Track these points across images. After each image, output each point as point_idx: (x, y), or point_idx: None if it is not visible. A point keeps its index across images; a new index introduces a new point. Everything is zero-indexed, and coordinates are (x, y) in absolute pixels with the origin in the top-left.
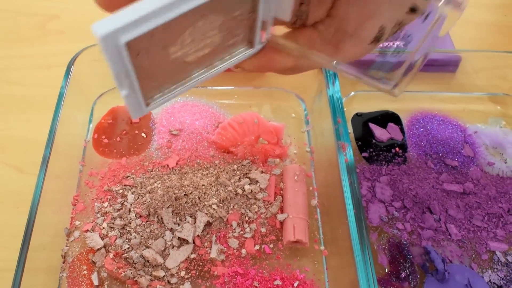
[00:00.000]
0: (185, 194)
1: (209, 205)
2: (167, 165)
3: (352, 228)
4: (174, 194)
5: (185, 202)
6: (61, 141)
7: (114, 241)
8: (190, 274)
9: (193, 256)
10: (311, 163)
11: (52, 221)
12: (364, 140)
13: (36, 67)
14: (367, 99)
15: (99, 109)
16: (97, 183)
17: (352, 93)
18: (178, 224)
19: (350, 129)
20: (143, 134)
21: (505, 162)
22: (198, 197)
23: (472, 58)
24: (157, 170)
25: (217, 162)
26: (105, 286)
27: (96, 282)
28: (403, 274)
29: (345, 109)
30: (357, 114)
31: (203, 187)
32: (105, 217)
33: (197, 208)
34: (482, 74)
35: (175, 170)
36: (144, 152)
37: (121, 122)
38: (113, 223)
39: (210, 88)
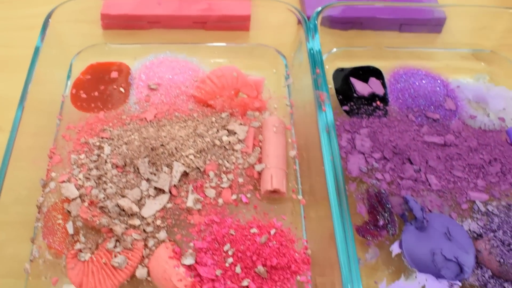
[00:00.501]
0: (161, 145)
1: (186, 156)
2: (145, 118)
3: (328, 178)
4: (150, 144)
5: (162, 153)
6: (38, 97)
7: (90, 191)
8: (166, 223)
9: (169, 205)
10: (291, 116)
11: (28, 175)
12: (345, 94)
13: (17, 28)
14: (349, 56)
15: (78, 65)
16: (74, 137)
17: (335, 49)
18: (155, 174)
19: (331, 84)
20: (121, 89)
21: (488, 116)
22: (175, 148)
23: (457, 15)
24: (135, 123)
25: (195, 115)
26: (80, 235)
27: (71, 231)
28: (381, 222)
29: (327, 66)
30: (338, 69)
31: (180, 138)
32: (81, 169)
33: (174, 158)
34: (467, 32)
35: (153, 123)
36: (122, 106)
37: (99, 77)
38: (89, 174)
39: (190, 44)
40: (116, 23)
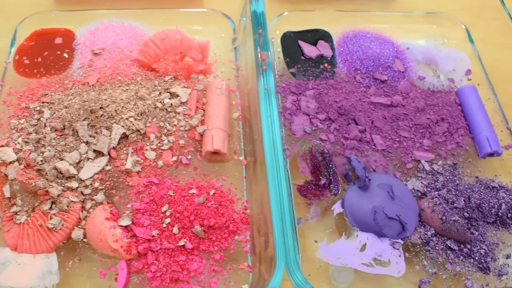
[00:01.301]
0: (101, 107)
1: (126, 118)
2: (87, 83)
3: (265, 139)
4: (90, 107)
5: (101, 115)
6: None
7: (29, 155)
8: (104, 185)
9: (108, 167)
10: (236, 79)
11: None
12: (293, 57)
13: None
14: (301, 19)
15: (23, 33)
16: (15, 102)
17: (286, 13)
18: (94, 137)
19: (280, 47)
20: (65, 54)
21: (438, 77)
22: (115, 110)
23: None
24: (77, 87)
25: (138, 79)
26: (17, 199)
27: (8, 194)
28: (322, 181)
29: (277, 31)
30: (286, 32)
31: (121, 101)
32: (21, 133)
33: (114, 121)
34: None
35: (95, 87)
36: (65, 71)
37: (43, 43)
38: (28, 138)
39: (136, 9)
40: None
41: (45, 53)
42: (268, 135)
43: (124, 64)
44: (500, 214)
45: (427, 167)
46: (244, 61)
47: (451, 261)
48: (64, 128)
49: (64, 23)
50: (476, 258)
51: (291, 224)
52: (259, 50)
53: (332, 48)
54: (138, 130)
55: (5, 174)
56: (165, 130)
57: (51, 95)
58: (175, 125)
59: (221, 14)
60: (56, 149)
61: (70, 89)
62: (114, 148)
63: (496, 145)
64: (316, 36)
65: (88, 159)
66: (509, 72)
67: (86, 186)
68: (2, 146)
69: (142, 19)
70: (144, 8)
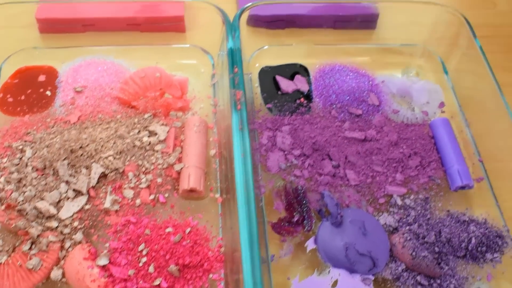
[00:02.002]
0: (81, 147)
1: (105, 157)
2: (69, 121)
3: (238, 176)
4: (70, 147)
5: (81, 155)
6: None
7: (10, 194)
8: (83, 224)
9: (87, 207)
10: (214, 115)
11: None
12: (270, 92)
13: None
14: (281, 52)
15: (8, 70)
16: None
17: (266, 46)
18: (74, 176)
19: (257, 82)
20: (47, 92)
21: (412, 110)
22: (95, 150)
23: (390, 11)
24: (59, 126)
25: (119, 116)
26: None
27: None
28: (295, 218)
29: (257, 64)
30: (264, 67)
31: (101, 140)
32: (3, 172)
33: (93, 160)
34: (399, 27)
35: (76, 125)
36: (47, 109)
37: (27, 81)
38: (10, 177)
39: (122, 46)
40: (52, 27)
41: (29, 90)
42: (240, 174)
43: (105, 102)
44: (470, 248)
45: (399, 202)
46: (221, 96)
47: None
48: (45, 168)
49: (49, 60)
50: None
51: (260, 262)
52: (234, 89)
53: (309, 82)
54: (116, 169)
55: None
56: (143, 169)
57: (34, 133)
58: (153, 163)
59: (201, 49)
60: (36, 189)
61: (52, 127)
62: (93, 187)
63: (467, 179)
64: (293, 70)
65: (68, 198)
66: (481, 104)
67: (66, 226)
68: None
69: (125, 55)
70: (126, 45)
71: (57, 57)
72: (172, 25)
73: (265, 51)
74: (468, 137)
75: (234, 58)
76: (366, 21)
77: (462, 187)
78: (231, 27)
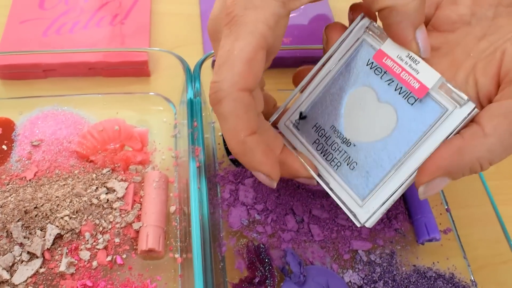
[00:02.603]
0: (35, 207)
1: (61, 217)
2: (25, 177)
3: (194, 236)
4: (24, 207)
5: (36, 215)
6: None
7: None
8: None
9: (42, 270)
10: (175, 168)
11: None
12: None
13: None
14: None
15: None
16: None
17: None
18: (28, 238)
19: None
20: (3, 146)
21: None
22: (50, 209)
23: None
24: (14, 183)
25: (76, 172)
26: None
27: None
28: (257, 279)
29: None
30: None
31: (57, 198)
32: None
33: (48, 220)
34: None
35: (32, 182)
36: (3, 165)
37: None
38: None
39: (79, 95)
40: (11, 73)
41: None
42: (197, 233)
43: (62, 156)
44: None
45: (364, 258)
46: (183, 148)
47: None
48: None
49: (7, 109)
50: None
51: None
52: (192, 145)
53: None
54: (73, 229)
55: None
56: (101, 228)
57: None
58: (111, 222)
59: (163, 98)
60: None
61: (7, 184)
62: (48, 249)
63: (433, 231)
64: None
65: (22, 261)
66: None
67: None
68: None
69: (85, 104)
70: (87, 94)
71: (15, 107)
72: (136, 69)
73: None
74: None
75: (194, 110)
76: None
77: (429, 240)
78: (191, 77)
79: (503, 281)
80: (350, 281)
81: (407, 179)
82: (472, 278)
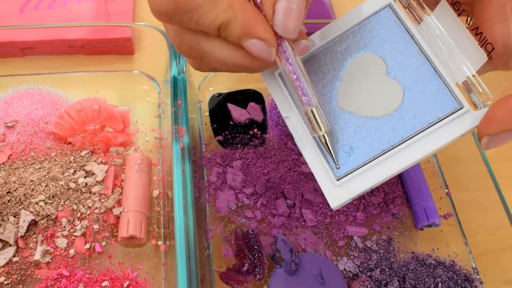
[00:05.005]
0: (8, 192)
1: (36, 203)
2: None
3: (177, 221)
4: None
5: (8, 201)
6: None
7: None
8: (11, 279)
9: (16, 259)
10: (159, 150)
11: None
12: (221, 122)
13: None
14: (231, 78)
15: None
16: None
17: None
18: (0, 225)
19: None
20: None
21: None
22: (24, 194)
23: None
24: None
25: (53, 154)
26: None
27: None
28: (245, 267)
29: (210, 88)
30: (215, 94)
31: (31, 183)
32: None
33: (22, 206)
34: None
35: (6, 165)
36: None
37: None
38: None
39: (58, 74)
40: None
41: None
42: (180, 219)
43: (38, 138)
44: None
45: (360, 244)
46: (167, 130)
47: None
48: None
49: None
50: None
51: None
52: (176, 125)
53: (264, 111)
54: (48, 215)
55: None
56: (79, 214)
57: None
58: (89, 207)
59: (146, 76)
60: None
61: None
62: (22, 236)
63: (433, 216)
64: (247, 97)
65: None
66: None
67: None
68: None
69: (64, 83)
70: (67, 72)
71: None
72: (119, 47)
73: (218, 75)
74: (436, 168)
75: (177, 88)
76: None
77: (429, 225)
78: (175, 53)
79: (505, 268)
80: (344, 269)
81: (399, 171)
82: (474, 265)
